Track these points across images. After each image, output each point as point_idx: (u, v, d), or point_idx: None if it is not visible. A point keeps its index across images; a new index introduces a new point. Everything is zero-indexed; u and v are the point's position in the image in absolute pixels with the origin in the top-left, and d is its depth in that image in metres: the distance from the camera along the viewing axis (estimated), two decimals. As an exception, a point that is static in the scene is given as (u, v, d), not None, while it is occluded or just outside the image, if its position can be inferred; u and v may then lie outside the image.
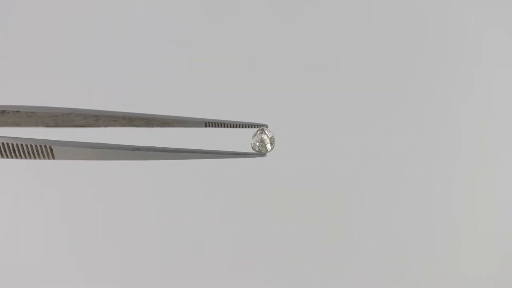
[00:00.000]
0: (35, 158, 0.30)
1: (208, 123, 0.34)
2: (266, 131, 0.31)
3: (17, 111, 0.33)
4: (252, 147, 0.31)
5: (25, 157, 0.30)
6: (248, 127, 0.34)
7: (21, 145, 0.28)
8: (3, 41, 0.66)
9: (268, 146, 0.31)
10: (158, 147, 0.29)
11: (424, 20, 0.72)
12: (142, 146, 0.29)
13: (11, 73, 0.66)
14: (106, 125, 0.35)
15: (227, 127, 0.34)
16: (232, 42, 0.69)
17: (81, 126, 0.37)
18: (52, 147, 0.28)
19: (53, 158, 0.30)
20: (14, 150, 0.29)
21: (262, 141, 0.31)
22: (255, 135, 0.31)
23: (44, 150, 0.29)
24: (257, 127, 0.33)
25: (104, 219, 0.67)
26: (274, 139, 0.31)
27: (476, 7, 0.72)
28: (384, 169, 0.71)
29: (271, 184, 0.69)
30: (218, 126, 0.34)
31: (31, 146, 0.28)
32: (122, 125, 0.35)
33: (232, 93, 0.68)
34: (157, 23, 0.69)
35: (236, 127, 0.34)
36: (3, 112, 0.33)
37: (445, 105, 0.71)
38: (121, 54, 0.68)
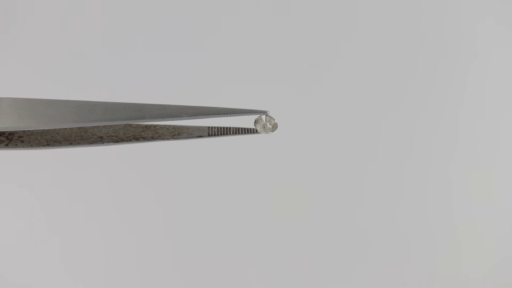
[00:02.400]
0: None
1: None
2: (268, 124, 0.32)
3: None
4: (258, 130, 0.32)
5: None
6: (248, 114, 0.34)
7: None
8: (2, 41, 0.66)
9: (271, 125, 0.31)
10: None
11: (420, 17, 0.71)
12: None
13: (10, 73, 0.66)
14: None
15: (227, 114, 0.34)
16: (233, 37, 0.69)
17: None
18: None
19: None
20: None
21: (264, 127, 0.31)
22: (257, 122, 0.32)
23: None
24: (257, 114, 0.33)
25: (101, 215, 0.68)
26: (276, 125, 0.32)
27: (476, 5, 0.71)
28: (384, 170, 0.70)
29: (270, 181, 0.69)
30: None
31: None
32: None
33: (232, 86, 0.68)
34: (157, 20, 0.69)
35: (237, 113, 0.34)
36: None
37: (445, 105, 0.71)
38: (121, 51, 0.67)
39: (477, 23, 0.71)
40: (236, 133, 0.33)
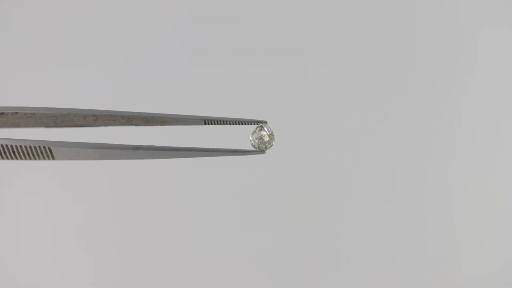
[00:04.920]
0: (35, 159, 0.30)
1: (207, 121, 0.34)
2: (265, 128, 0.31)
3: (16, 112, 0.33)
4: (252, 145, 0.31)
5: (25, 158, 0.30)
6: (247, 123, 0.34)
7: (21, 146, 0.28)
8: (2, 42, 0.66)
9: (268, 143, 0.31)
10: (157, 146, 0.29)
11: (420, 18, 0.72)
12: (142, 145, 0.29)
13: (10, 74, 0.66)
14: (105, 125, 0.36)
15: (226, 124, 0.34)
16: (231, 38, 0.69)
17: (81, 126, 0.37)
18: (52, 148, 0.28)
19: (53, 158, 0.30)
20: (14, 152, 0.29)
21: (261, 139, 0.31)
22: (254, 132, 0.32)
23: (43, 151, 0.29)
24: (256, 124, 0.33)
25: (106, 219, 0.68)
26: (273, 135, 0.31)
27: (472, 2, 0.71)
28: (384, 172, 0.70)
29: (270, 182, 0.69)
30: (218, 123, 0.34)
31: (31, 147, 0.28)
32: (122, 124, 0.35)
33: (231, 90, 0.68)
34: (156, 20, 0.69)
35: (235, 124, 0.34)
36: (1, 113, 0.33)
37: (444, 107, 0.71)
38: (119, 52, 0.68)
39: (478, 24, 0.71)
40: (230, 152, 0.33)
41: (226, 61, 0.69)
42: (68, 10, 0.68)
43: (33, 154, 0.29)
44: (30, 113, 0.33)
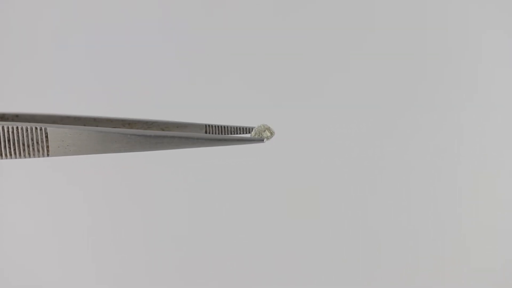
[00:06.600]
0: (29, 155, 0.30)
1: (208, 127, 0.34)
2: (266, 125, 0.31)
3: (16, 116, 0.33)
4: (251, 135, 0.31)
5: (20, 155, 0.29)
6: (249, 131, 0.34)
7: (17, 128, 0.28)
8: (2, 46, 0.68)
9: (267, 132, 0.31)
10: (159, 132, 0.29)
11: (425, 21, 0.73)
12: (136, 131, 0.29)
13: (10, 79, 0.67)
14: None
15: (228, 132, 0.34)
16: (231, 44, 0.70)
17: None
18: (48, 129, 0.28)
19: (48, 153, 0.30)
20: (9, 141, 0.28)
21: (261, 128, 0.31)
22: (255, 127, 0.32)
23: (39, 142, 0.28)
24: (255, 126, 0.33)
25: (105, 218, 0.66)
26: (273, 130, 0.31)
27: (478, 6, 0.72)
28: (391, 171, 0.69)
29: (283, 181, 0.68)
30: (219, 132, 0.34)
31: (27, 129, 0.28)
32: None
33: (232, 94, 0.68)
34: (155, 26, 0.70)
35: (237, 131, 0.34)
36: (2, 116, 0.33)
37: (448, 105, 0.71)
38: (119, 57, 0.68)
39: (485, 25, 0.71)
40: (234, 140, 0.33)
41: (225, 64, 0.69)
42: (69, 12, 0.69)
43: (28, 146, 0.29)
44: (30, 116, 0.33)
